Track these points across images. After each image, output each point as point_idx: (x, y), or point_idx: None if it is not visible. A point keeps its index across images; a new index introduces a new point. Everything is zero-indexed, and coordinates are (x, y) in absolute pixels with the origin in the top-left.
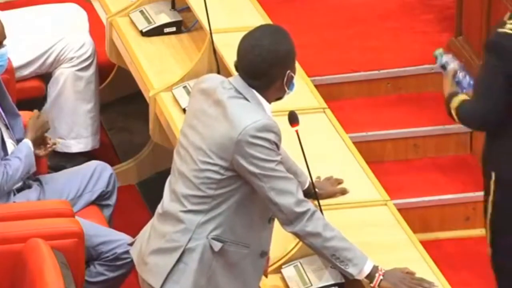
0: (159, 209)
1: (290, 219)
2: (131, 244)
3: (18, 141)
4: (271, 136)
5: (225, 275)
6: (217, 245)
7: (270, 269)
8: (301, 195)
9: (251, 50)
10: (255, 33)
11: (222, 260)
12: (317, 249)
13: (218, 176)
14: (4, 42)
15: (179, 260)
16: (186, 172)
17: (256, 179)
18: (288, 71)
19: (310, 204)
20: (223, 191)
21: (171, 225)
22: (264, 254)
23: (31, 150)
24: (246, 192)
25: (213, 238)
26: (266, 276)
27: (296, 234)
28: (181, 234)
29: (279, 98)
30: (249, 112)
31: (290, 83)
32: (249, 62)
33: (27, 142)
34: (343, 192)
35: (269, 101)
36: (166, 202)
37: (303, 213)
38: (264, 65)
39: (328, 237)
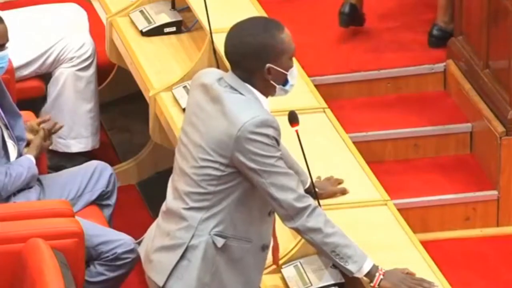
0: (163, 207)
1: (290, 215)
2: (139, 243)
3: (18, 140)
4: (270, 131)
5: (228, 271)
6: (220, 241)
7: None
8: (301, 191)
9: (229, 38)
10: (240, 23)
11: (225, 255)
12: (317, 245)
13: (218, 173)
14: (7, 45)
15: (182, 257)
16: (187, 170)
17: (256, 175)
18: (268, 65)
19: (311, 200)
20: (224, 187)
21: (174, 223)
22: (265, 247)
23: (34, 164)
24: (246, 187)
25: (215, 234)
26: (277, 266)
27: (296, 230)
28: (184, 231)
29: (272, 94)
30: (247, 107)
31: (281, 79)
32: (226, 51)
33: (30, 157)
34: (343, 192)
35: (264, 95)
36: (169, 200)
37: (304, 209)
38: (236, 56)
39: (329, 233)
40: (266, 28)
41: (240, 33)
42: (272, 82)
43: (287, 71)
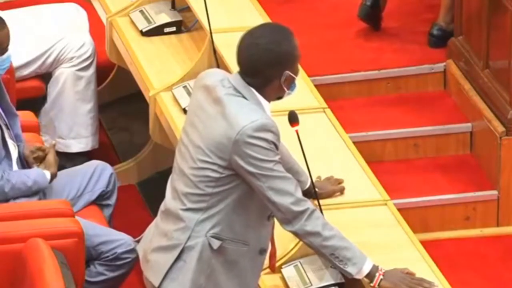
0: (162, 206)
1: (288, 219)
2: (138, 241)
3: (18, 140)
4: (269, 135)
5: (224, 273)
6: (215, 243)
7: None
8: (299, 194)
9: (247, 48)
10: (255, 31)
11: (221, 258)
12: (316, 248)
13: (216, 175)
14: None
15: (178, 257)
16: (186, 170)
17: (254, 178)
18: (286, 72)
19: (308, 203)
20: (222, 189)
21: (172, 223)
22: (263, 251)
23: (47, 181)
24: (244, 190)
25: (212, 236)
26: (273, 270)
27: (295, 234)
28: (181, 232)
29: (279, 98)
30: (247, 111)
31: (290, 84)
32: (245, 60)
33: (46, 174)
34: (343, 191)
35: (268, 100)
36: (168, 200)
37: (302, 212)
38: (259, 65)
39: (327, 236)
40: (285, 35)
41: (259, 42)
42: (284, 87)
43: (296, 75)
